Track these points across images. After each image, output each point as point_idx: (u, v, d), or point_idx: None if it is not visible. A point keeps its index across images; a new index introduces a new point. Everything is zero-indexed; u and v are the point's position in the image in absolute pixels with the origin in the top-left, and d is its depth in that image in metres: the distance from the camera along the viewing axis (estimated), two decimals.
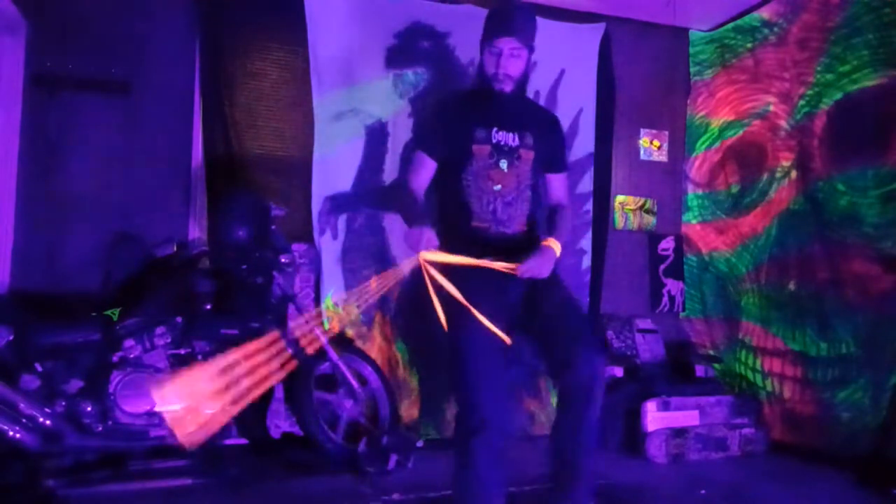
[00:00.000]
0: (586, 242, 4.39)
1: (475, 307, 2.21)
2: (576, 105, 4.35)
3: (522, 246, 2.40)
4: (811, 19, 3.96)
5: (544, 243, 2.38)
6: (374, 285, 2.18)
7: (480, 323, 2.21)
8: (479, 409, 2.21)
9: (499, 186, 2.38)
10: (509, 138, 2.43)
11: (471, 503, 2.25)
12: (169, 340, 3.22)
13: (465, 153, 2.41)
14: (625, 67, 4.53)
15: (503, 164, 2.40)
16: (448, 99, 2.61)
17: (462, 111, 2.50)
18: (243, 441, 3.60)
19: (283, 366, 3.53)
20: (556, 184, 2.61)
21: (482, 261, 2.28)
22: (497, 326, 2.23)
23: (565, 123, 3.53)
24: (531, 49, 2.48)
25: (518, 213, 2.43)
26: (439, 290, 2.25)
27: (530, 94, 4.18)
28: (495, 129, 2.42)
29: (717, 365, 4.43)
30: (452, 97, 2.61)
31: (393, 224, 4.00)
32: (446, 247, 2.27)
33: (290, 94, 3.93)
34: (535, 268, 2.32)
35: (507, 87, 2.43)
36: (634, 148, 4.67)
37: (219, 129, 3.78)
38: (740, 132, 4.42)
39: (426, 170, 2.48)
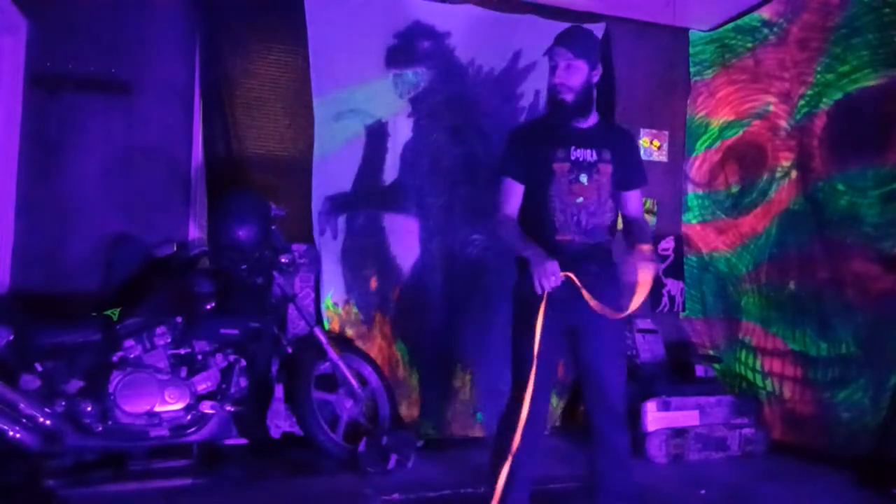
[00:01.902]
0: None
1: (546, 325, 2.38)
2: None
3: (604, 256, 2.57)
4: (811, 19, 3.96)
5: (640, 250, 2.50)
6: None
7: (547, 338, 2.38)
8: (530, 412, 2.35)
9: (581, 199, 2.52)
10: (587, 154, 2.56)
11: (504, 489, 2.37)
12: (169, 340, 3.22)
13: (548, 171, 2.54)
14: (625, 67, 4.53)
15: (583, 178, 2.53)
16: (524, 126, 2.81)
17: (540, 135, 2.64)
18: (243, 441, 3.60)
19: (282, 365, 3.55)
20: (632, 200, 2.70)
21: (594, 302, 2.40)
22: (556, 345, 2.49)
23: None
24: (591, 64, 2.59)
25: (601, 224, 2.56)
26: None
27: (530, 94, 4.21)
28: (573, 147, 2.56)
29: (717, 365, 4.43)
30: (529, 124, 2.80)
31: (393, 224, 4.01)
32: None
33: (290, 94, 3.92)
34: (646, 277, 2.43)
35: (568, 97, 2.55)
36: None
37: (219, 129, 3.78)
38: (740, 132, 4.42)
39: (515, 194, 2.62)
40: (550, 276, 2.32)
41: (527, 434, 2.35)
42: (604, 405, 2.52)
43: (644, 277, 2.41)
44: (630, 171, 2.66)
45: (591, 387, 2.55)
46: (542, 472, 2.57)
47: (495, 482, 2.37)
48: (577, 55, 2.55)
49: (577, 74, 2.55)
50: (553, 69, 2.57)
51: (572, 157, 2.54)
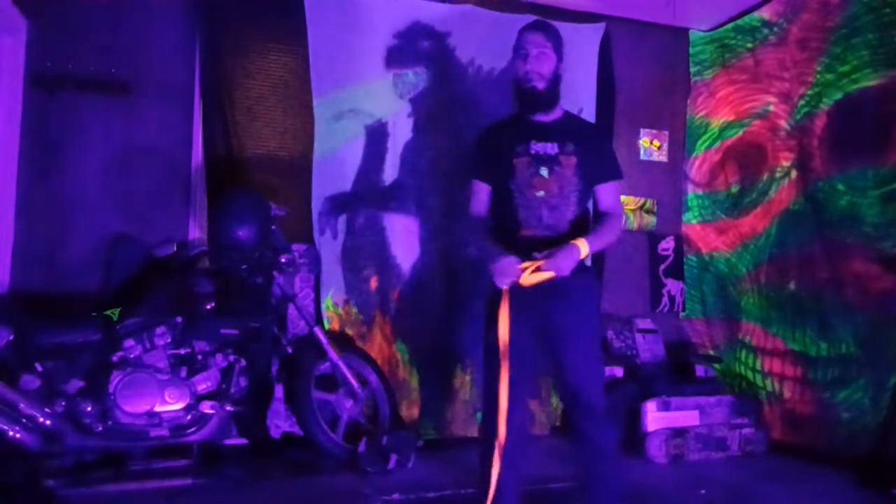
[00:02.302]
0: None
1: (515, 323, 2.36)
2: (576, 105, 4.33)
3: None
4: (811, 19, 3.96)
5: (572, 241, 2.42)
6: None
7: (517, 336, 2.36)
8: (506, 413, 2.34)
9: (542, 192, 2.47)
10: (548, 147, 2.52)
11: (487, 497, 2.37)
12: (169, 340, 3.22)
13: (509, 167, 2.51)
14: (625, 67, 4.53)
15: (544, 172, 2.49)
16: (488, 126, 2.75)
17: (500, 133, 2.62)
18: (243, 441, 3.60)
19: (282, 365, 3.55)
20: (604, 194, 2.63)
21: (530, 262, 2.36)
22: (528, 342, 2.43)
23: None
24: (559, 55, 2.55)
25: (564, 217, 2.50)
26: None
27: None
28: (533, 141, 2.52)
29: (717, 365, 4.43)
30: (490, 126, 2.75)
31: (393, 224, 4.01)
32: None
33: (290, 94, 3.92)
34: (555, 262, 2.36)
35: (540, 85, 2.51)
36: (634, 148, 4.67)
37: (219, 129, 3.78)
38: (740, 132, 4.42)
39: (482, 193, 2.62)
40: (508, 272, 2.32)
41: (506, 438, 2.33)
42: (580, 405, 2.46)
43: (550, 265, 2.34)
44: (599, 164, 2.58)
45: (565, 387, 2.51)
46: (542, 472, 2.57)
47: (483, 488, 2.37)
48: (548, 41, 2.53)
49: (547, 62, 2.52)
50: (524, 57, 2.52)
51: (531, 151, 2.49)
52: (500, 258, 2.37)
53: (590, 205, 2.65)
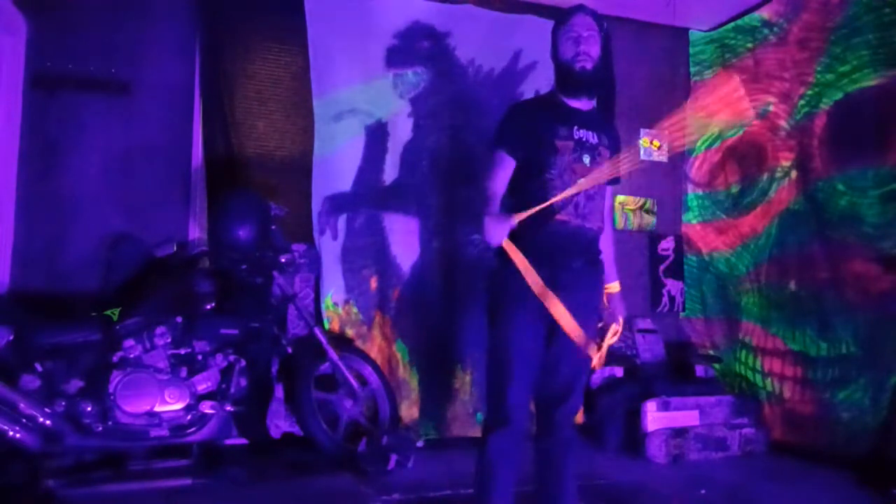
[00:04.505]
0: None
1: (523, 323, 2.33)
2: None
3: (593, 245, 2.47)
4: (811, 19, 3.96)
5: (608, 288, 2.49)
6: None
7: (526, 323, 2.32)
8: (510, 408, 2.32)
9: (583, 180, 2.38)
10: (590, 136, 2.46)
11: (481, 497, 2.36)
12: (169, 340, 3.22)
13: (550, 149, 2.40)
14: (625, 67, 4.53)
15: (586, 159, 2.41)
16: (526, 102, 2.66)
17: (542, 112, 2.51)
18: (243, 441, 3.60)
19: (282, 365, 3.55)
20: (608, 199, 2.62)
21: (553, 302, 2.27)
22: (537, 344, 2.36)
23: None
24: (606, 40, 2.53)
25: (598, 208, 2.46)
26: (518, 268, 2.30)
27: (530, 94, 4.21)
28: (576, 127, 2.45)
29: (717, 365, 4.43)
30: (530, 100, 2.66)
31: (393, 224, 4.00)
32: (527, 241, 2.32)
33: (290, 94, 3.93)
34: (618, 318, 2.43)
35: (589, 65, 2.46)
36: (634, 148, 4.67)
37: (219, 129, 3.78)
38: (740, 132, 4.42)
39: (504, 170, 2.45)
40: (499, 227, 2.21)
41: (505, 434, 2.32)
42: (567, 407, 2.41)
43: (615, 327, 2.40)
44: (616, 164, 2.54)
45: (553, 386, 2.42)
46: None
47: (479, 488, 2.37)
48: (597, 26, 2.49)
49: (596, 45, 2.48)
50: (575, 38, 2.45)
51: (575, 137, 2.42)
52: (497, 219, 2.24)
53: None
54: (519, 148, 2.45)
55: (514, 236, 2.29)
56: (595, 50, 2.48)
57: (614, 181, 2.58)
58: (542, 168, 2.40)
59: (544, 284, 2.25)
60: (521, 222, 2.29)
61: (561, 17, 2.54)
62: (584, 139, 2.43)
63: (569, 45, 2.48)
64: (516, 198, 2.48)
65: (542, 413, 2.47)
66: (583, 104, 2.51)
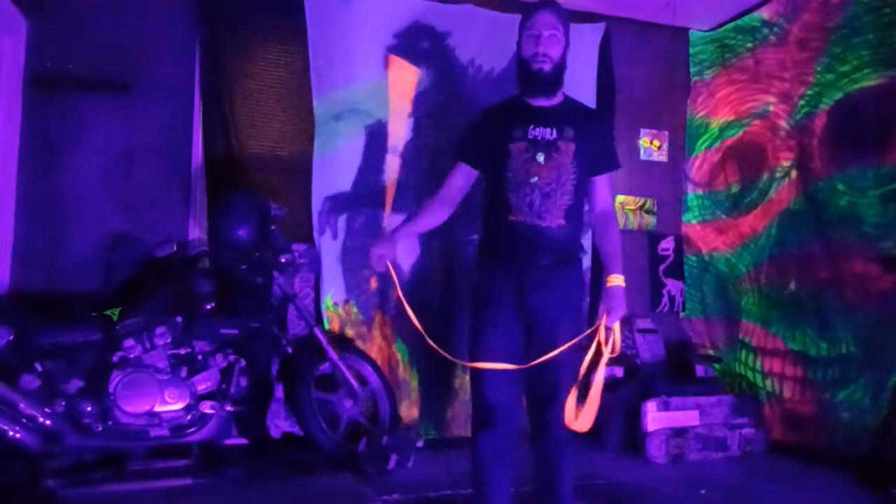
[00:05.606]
0: (587, 242, 4.38)
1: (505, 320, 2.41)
2: None
3: (557, 243, 2.42)
4: (811, 19, 3.96)
5: (609, 284, 2.40)
6: None
7: (496, 325, 2.39)
8: (490, 408, 2.36)
9: (535, 178, 2.39)
10: (546, 132, 2.44)
11: (478, 498, 2.38)
12: (169, 340, 3.22)
13: (504, 153, 2.44)
14: (625, 67, 4.53)
15: (540, 157, 2.41)
16: (490, 108, 2.65)
17: (499, 117, 2.54)
18: (243, 441, 3.59)
19: (282, 365, 3.55)
20: (601, 187, 2.55)
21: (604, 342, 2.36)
22: (515, 331, 2.41)
23: None
24: (567, 38, 2.49)
25: (556, 206, 2.41)
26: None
27: None
28: (531, 126, 2.44)
29: (717, 365, 4.43)
30: (487, 109, 2.65)
31: (393, 224, 3.99)
32: (487, 242, 2.52)
33: (290, 94, 3.92)
34: (616, 314, 2.36)
35: (547, 67, 2.44)
36: (634, 148, 4.67)
37: (219, 129, 3.78)
38: (740, 132, 4.42)
39: (458, 178, 2.57)
40: (377, 260, 2.46)
41: (492, 435, 2.35)
42: (555, 405, 2.39)
43: (613, 319, 2.34)
44: (599, 153, 2.51)
45: (541, 386, 2.41)
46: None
47: (475, 489, 2.38)
48: (560, 24, 2.46)
49: (557, 45, 2.45)
50: (535, 38, 2.44)
51: (529, 136, 2.41)
52: (380, 243, 2.50)
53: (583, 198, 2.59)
54: (477, 160, 2.54)
55: (480, 240, 2.50)
56: (555, 50, 2.46)
57: (606, 168, 2.54)
58: (499, 172, 2.45)
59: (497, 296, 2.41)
60: (484, 226, 2.51)
61: (525, 11, 2.53)
62: (538, 137, 2.43)
63: (529, 42, 2.48)
64: (486, 205, 2.55)
65: (534, 414, 2.47)
66: (547, 100, 2.50)
